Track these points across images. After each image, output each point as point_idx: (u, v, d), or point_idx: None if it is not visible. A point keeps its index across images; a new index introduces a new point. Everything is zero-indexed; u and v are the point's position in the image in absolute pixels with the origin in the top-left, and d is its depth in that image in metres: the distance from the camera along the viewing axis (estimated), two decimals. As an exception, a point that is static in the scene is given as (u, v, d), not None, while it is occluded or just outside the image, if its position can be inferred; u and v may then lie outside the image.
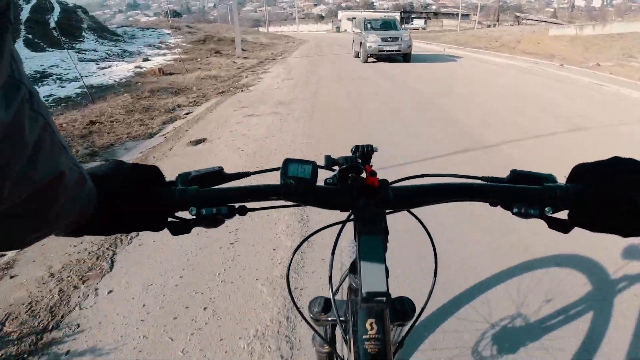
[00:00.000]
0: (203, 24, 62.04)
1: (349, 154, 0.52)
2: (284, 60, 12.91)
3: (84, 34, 17.50)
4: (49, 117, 0.29)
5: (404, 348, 0.63)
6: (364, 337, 0.48)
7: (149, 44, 18.46)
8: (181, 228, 0.48)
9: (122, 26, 29.49)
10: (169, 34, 26.55)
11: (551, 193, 0.46)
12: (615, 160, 0.45)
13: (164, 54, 14.30)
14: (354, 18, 50.30)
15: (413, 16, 52.69)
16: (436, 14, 54.15)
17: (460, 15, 38.37)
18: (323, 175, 0.48)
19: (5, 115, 0.23)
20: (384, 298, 0.41)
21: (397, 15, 52.80)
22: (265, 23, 75.50)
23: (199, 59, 12.04)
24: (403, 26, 46.84)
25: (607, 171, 0.45)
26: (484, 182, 0.51)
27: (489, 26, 45.56)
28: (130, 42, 18.85)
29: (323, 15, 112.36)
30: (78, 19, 19.69)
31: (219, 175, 0.52)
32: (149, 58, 12.94)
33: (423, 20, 50.32)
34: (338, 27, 56.24)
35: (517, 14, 49.19)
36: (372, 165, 0.51)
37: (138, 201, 0.45)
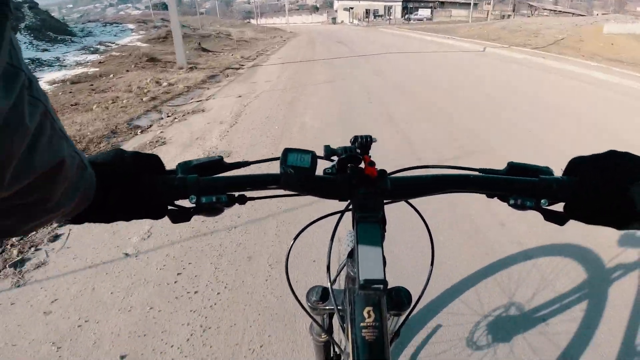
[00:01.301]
0: (186, 17, 57.33)
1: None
2: (254, 71, 8.48)
3: (17, 34, 13.18)
4: (49, 104, 0.29)
5: (400, 337, 0.73)
6: (362, 324, 0.48)
7: (85, 46, 14.07)
8: (181, 216, 0.49)
9: (88, 21, 25.55)
10: (132, 29, 22.34)
11: (547, 185, 0.47)
12: (611, 154, 0.46)
13: (84, 63, 9.86)
14: (352, 8, 45.46)
15: (415, 5, 47.87)
16: (442, 3, 49.35)
17: (472, 4, 33.71)
18: (322, 166, 0.49)
19: (5, 102, 0.23)
20: (381, 285, 0.41)
21: (399, 5, 48.23)
22: (259, 15, 70.97)
23: (111, 75, 7.58)
24: (406, 16, 42.14)
25: (603, 164, 0.45)
26: (480, 174, 0.51)
27: (503, 17, 41.00)
28: (77, 42, 14.72)
29: (318, 6, 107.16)
30: (18, 16, 15.31)
31: (218, 164, 0.53)
32: (58, 70, 8.59)
33: (429, 10, 45.48)
34: (334, 19, 51.28)
35: (532, 4, 44.50)
36: (370, 156, 0.51)
37: (138, 189, 0.45)
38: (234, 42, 17.41)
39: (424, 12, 44.61)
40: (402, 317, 0.65)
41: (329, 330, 0.84)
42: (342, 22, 50.19)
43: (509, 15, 41.02)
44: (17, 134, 0.25)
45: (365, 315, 0.49)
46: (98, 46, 14.16)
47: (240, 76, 7.80)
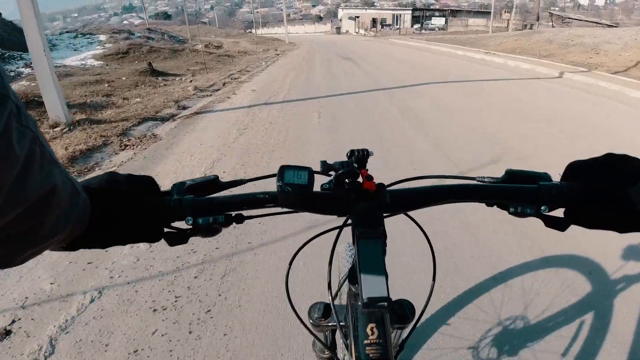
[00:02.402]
0: (182, 27, 54.27)
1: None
2: (188, 128, 4.69)
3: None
4: (38, 131, 0.28)
5: (405, 351, 0.65)
6: (365, 342, 0.48)
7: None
8: (178, 238, 0.48)
9: (66, 31, 22.45)
10: (101, 41, 18.97)
11: (546, 192, 0.46)
12: (609, 157, 0.45)
13: None
14: (357, 17, 41.90)
15: (426, 14, 44.33)
16: (455, 12, 45.70)
17: (492, 13, 30.01)
18: (319, 181, 0.49)
19: None
20: (385, 303, 0.41)
21: (408, 13, 44.73)
22: (260, 25, 67.98)
23: None
24: (416, 26, 38.58)
25: (601, 168, 0.45)
26: (479, 183, 0.52)
27: (525, 26, 37.30)
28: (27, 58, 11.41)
29: (321, 15, 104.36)
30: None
31: (214, 183, 0.52)
32: None
33: (443, 19, 41.78)
34: (338, 28, 47.71)
35: (555, 12, 40.76)
36: (368, 169, 0.50)
37: (133, 212, 0.44)
38: (211, 58, 13.69)
39: (437, 21, 40.88)
40: (407, 330, 0.63)
41: (332, 347, 0.83)
42: (346, 32, 46.63)
43: (532, 25, 37.30)
44: (6, 163, 0.24)
45: (369, 332, 0.48)
46: (23, 69, 10.41)
47: (147, 148, 3.94)
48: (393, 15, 45.64)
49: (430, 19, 42.24)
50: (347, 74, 9.33)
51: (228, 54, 15.86)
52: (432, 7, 45.25)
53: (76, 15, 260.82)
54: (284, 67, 11.47)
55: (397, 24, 45.47)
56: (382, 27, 42.78)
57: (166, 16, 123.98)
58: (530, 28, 37.07)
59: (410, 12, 44.36)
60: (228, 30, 49.54)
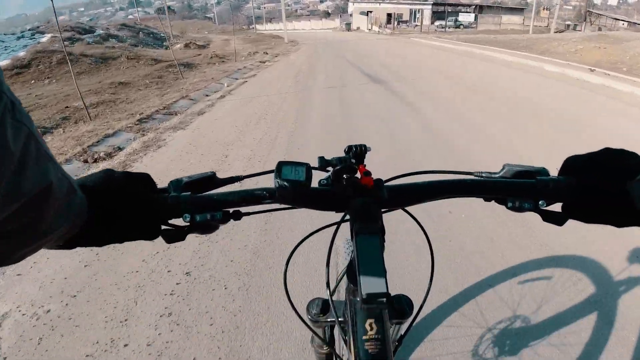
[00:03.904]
0: (177, 22, 49.60)
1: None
2: None
3: None
4: (33, 127, 0.28)
5: (403, 346, 0.65)
6: (364, 337, 0.47)
7: None
8: (175, 236, 0.48)
9: (29, 30, 18.95)
10: (39, 42, 14.39)
11: (544, 186, 0.47)
12: (606, 151, 0.45)
13: None
14: (370, 12, 36.60)
15: (448, 9, 39.00)
16: (481, 7, 40.21)
17: (534, 10, 24.79)
18: (317, 177, 0.48)
19: None
20: (384, 299, 0.41)
21: (428, 8, 39.49)
22: (269, 20, 63.09)
23: None
24: (437, 22, 33.37)
25: (599, 162, 0.45)
26: (477, 178, 0.52)
27: (569, 26, 31.96)
28: None
29: (329, 11, 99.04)
30: None
31: (211, 180, 0.52)
32: None
33: (472, 15, 36.26)
34: (348, 25, 42.42)
35: (599, 12, 35.23)
36: (365, 165, 0.50)
37: (130, 210, 0.44)
38: (148, 73, 8.85)
39: (466, 17, 35.44)
40: (405, 326, 0.63)
41: (331, 343, 0.82)
42: (357, 28, 41.38)
43: (575, 26, 31.91)
44: (2, 158, 0.24)
45: (368, 327, 0.48)
46: None
47: None
48: (410, 10, 40.36)
49: (457, 15, 36.80)
50: (374, 115, 4.53)
51: (187, 62, 10.97)
52: (452, 3, 39.66)
53: (82, 9, 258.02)
54: (256, 96, 6.57)
55: (414, 20, 40.20)
56: (398, 23, 37.54)
57: (171, 11, 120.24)
58: (574, 28, 31.78)
59: (430, 6, 39.01)
60: (224, 27, 44.73)
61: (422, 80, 7.54)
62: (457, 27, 34.82)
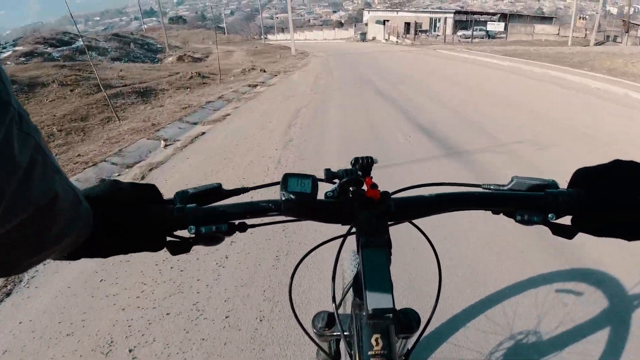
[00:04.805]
0: (182, 31, 47.39)
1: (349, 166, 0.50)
2: None
3: None
4: (40, 139, 0.28)
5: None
6: (370, 353, 0.47)
7: None
8: (180, 247, 0.47)
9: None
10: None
11: (553, 199, 0.46)
12: (617, 164, 0.44)
13: None
14: (387, 21, 33.72)
15: (470, 18, 35.73)
16: (505, 16, 36.67)
17: (574, 20, 21.50)
18: (323, 189, 0.47)
19: None
20: (390, 315, 0.40)
21: (450, 16, 36.37)
22: (281, 30, 60.80)
23: None
24: (460, 32, 30.32)
25: (609, 175, 0.44)
26: (485, 190, 0.51)
27: (608, 37, 28.59)
28: None
29: (342, 21, 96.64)
30: None
31: (217, 191, 0.51)
32: None
33: (502, 24, 32.61)
34: (364, 34, 39.39)
35: (633, 22, 31.60)
36: (372, 177, 0.50)
37: (136, 221, 0.43)
38: (93, 101, 5.89)
39: (495, 27, 31.95)
40: (412, 340, 0.61)
41: (336, 357, 0.80)
42: (373, 38, 38.33)
43: (616, 37, 28.46)
44: (8, 170, 0.24)
45: (374, 343, 0.47)
46: None
47: None
48: (430, 19, 37.26)
49: (485, 24, 33.33)
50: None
51: (146, 88, 7.99)
52: (477, 11, 36.23)
53: (98, 18, 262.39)
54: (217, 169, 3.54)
55: (434, 30, 37.08)
56: (417, 33, 34.43)
57: (181, 20, 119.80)
58: (614, 40, 28.26)
59: (452, 15, 35.81)
60: (230, 37, 42.30)
61: (496, 127, 4.47)
62: (489, 37, 31.47)
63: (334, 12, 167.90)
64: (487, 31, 32.01)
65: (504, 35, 31.62)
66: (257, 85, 8.33)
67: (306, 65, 13.31)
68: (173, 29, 48.48)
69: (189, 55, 19.52)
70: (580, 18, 29.77)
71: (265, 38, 51.48)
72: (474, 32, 31.03)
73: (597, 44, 24.51)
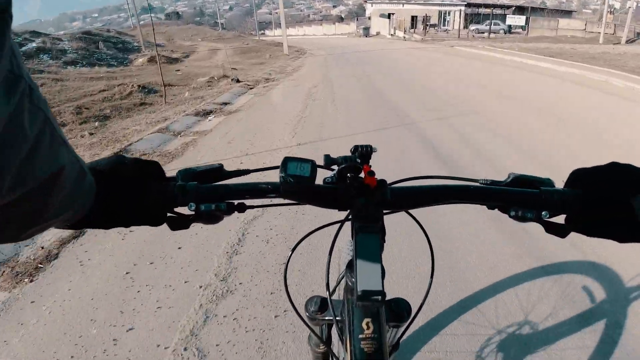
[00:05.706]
0: (171, 27, 44.49)
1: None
2: None
3: None
4: (49, 112, 0.29)
5: (399, 350, 0.62)
6: (360, 336, 0.48)
7: None
8: (180, 223, 0.48)
9: None
10: None
11: (548, 197, 0.46)
12: (613, 166, 0.45)
13: None
14: (392, 14, 30.37)
15: (481, 11, 32.62)
16: (521, 9, 33.49)
17: (606, 14, 18.64)
18: (322, 175, 0.47)
19: (5, 110, 0.23)
20: (380, 297, 0.41)
21: (460, 9, 33.31)
22: (278, 25, 57.78)
23: None
24: (472, 27, 27.17)
25: (605, 176, 0.45)
26: (481, 185, 0.51)
27: (639, 34, 25.49)
28: None
29: (342, 16, 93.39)
30: None
31: (218, 172, 0.52)
32: None
33: (523, 17, 29.33)
34: (367, 29, 36.22)
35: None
36: (370, 165, 0.50)
37: (137, 196, 0.45)
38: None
39: (515, 21, 28.70)
40: (402, 329, 0.63)
41: (328, 342, 0.82)
42: (377, 33, 35.19)
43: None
44: (17, 142, 0.24)
45: (364, 327, 0.48)
46: None
47: None
48: (439, 11, 34.20)
49: (504, 18, 30.13)
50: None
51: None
52: (491, 3, 32.92)
53: (96, 15, 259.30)
54: None
55: (444, 24, 34.04)
56: (426, 27, 31.38)
57: (177, 16, 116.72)
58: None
59: (462, 7, 32.73)
60: (222, 33, 39.38)
61: None
62: (507, 32, 28.37)
63: (334, 6, 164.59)
64: (509, 25, 28.91)
65: (520, 30, 28.55)
66: (211, 112, 5.45)
67: (298, 70, 10.46)
68: (163, 25, 45.51)
69: (165, 56, 16.68)
70: (610, 13, 26.68)
71: (262, 34, 48.58)
72: (498, 26, 28.04)
73: (629, 41, 21.58)
